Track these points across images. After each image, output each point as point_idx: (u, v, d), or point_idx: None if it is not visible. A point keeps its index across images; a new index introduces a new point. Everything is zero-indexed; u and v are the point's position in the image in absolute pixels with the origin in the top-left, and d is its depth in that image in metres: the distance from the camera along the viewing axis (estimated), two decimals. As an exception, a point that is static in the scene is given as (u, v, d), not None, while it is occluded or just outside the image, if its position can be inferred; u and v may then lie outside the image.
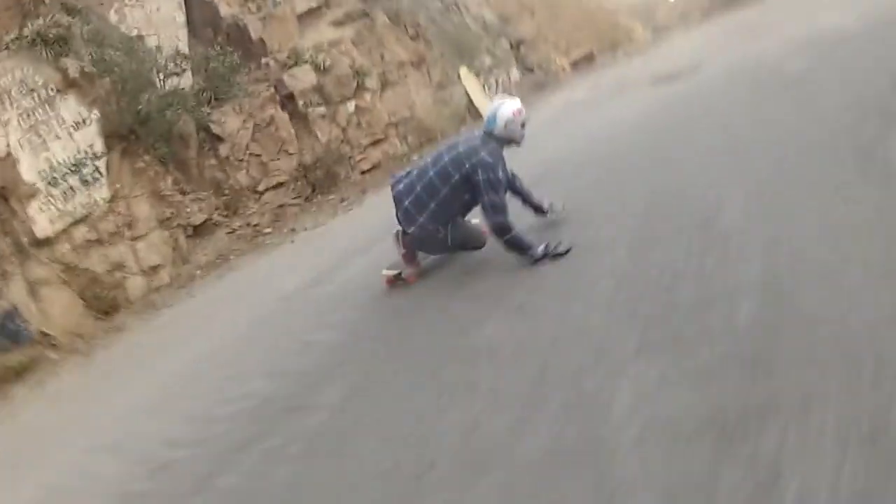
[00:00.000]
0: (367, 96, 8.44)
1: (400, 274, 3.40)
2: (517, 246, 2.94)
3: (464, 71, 9.97)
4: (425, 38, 11.47)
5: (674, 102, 5.94)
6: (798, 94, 4.34)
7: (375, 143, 8.49)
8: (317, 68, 7.99)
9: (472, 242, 3.28)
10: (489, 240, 3.17)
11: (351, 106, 8.26)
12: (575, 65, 16.39)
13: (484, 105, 9.24)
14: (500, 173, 3.00)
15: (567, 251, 2.84)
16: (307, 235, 6.28)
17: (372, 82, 8.51)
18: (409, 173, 3.33)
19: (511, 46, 20.37)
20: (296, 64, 7.92)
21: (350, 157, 8.17)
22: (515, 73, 10.13)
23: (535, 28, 22.25)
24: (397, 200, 3.26)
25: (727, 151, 3.70)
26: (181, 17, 7.63)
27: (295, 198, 7.41)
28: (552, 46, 22.27)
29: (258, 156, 7.29)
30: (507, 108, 3.07)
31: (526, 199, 3.45)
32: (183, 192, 6.55)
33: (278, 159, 7.41)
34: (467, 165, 3.00)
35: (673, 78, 6.70)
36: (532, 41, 20.68)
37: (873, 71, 4.07)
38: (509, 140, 3.13)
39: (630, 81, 8.38)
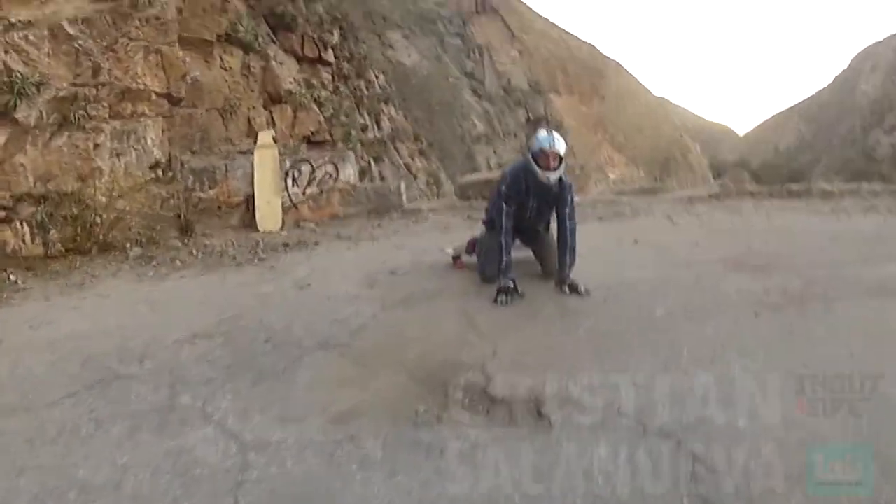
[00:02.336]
0: (3, 136, 4.51)
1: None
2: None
3: (264, 137, 6.09)
4: (339, 68, 8.01)
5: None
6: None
7: (-17, 223, 4.46)
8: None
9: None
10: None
11: (-39, 146, 4.39)
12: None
13: (269, 200, 5.75)
14: (504, 187, 3.59)
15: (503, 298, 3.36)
16: None
17: (29, 112, 4.58)
18: None
19: (527, 120, 17.83)
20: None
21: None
22: (350, 172, 6.29)
23: (580, 108, 19.46)
24: None
25: None
26: None
27: None
28: (589, 139, 19.57)
29: None
30: (540, 135, 3.63)
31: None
32: None
33: None
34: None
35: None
36: (563, 123, 18.01)
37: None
38: (533, 155, 3.55)
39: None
